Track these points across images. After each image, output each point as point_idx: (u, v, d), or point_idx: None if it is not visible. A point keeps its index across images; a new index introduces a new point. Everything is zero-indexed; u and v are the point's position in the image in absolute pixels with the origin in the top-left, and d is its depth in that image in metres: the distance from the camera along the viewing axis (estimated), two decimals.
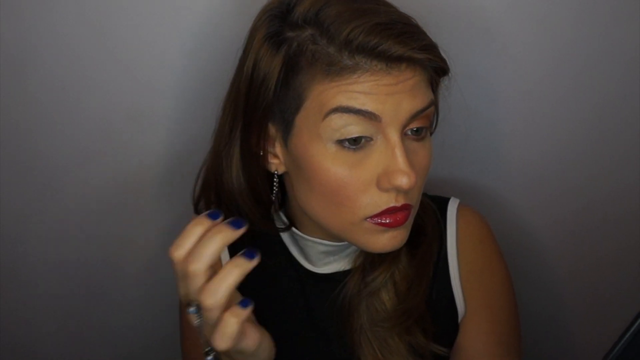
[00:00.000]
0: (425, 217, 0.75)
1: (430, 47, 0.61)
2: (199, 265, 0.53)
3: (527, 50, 0.88)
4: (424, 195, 0.77)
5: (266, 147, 0.67)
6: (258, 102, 0.64)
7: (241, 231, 0.54)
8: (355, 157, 0.61)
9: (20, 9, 0.79)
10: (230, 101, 0.68)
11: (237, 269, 0.52)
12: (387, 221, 0.63)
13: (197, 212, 0.77)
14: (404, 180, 0.60)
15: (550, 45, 0.88)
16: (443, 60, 0.63)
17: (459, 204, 0.78)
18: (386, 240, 0.64)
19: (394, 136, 0.61)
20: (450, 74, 0.67)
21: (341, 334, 0.72)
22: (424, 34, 0.63)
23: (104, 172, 0.89)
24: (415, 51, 0.59)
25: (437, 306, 0.73)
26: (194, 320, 0.54)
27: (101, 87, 0.84)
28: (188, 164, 0.83)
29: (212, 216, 0.55)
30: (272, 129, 0.66)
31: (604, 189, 0.95)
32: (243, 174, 0.70)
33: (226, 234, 0.53)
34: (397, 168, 0.60)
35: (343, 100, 0.59)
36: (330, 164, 0.61)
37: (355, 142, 0.61)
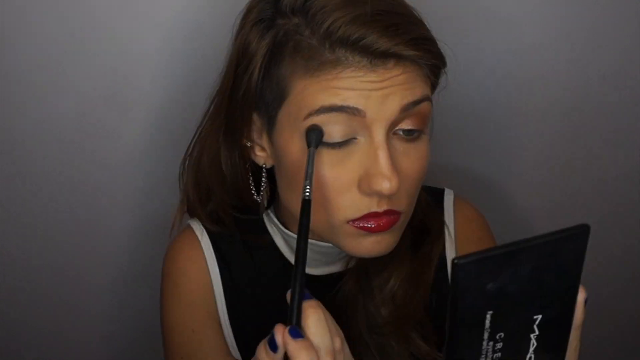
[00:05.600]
0: (430, 215, 0.72)
1: (421, 41, 0.57)
2: None
3: (528, 42, 0.88)
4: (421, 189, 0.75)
5: (252, 138, 0.65)
6: (242, 86, 0.61)
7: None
8: (337, 156, 0.58)
9: None
10: (221, 82, 0.65)
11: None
12: (370, 225, 0.60)
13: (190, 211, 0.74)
14: (384, 185, 0.56)
15: (557, 38, 0.88)
16: (436, 56, 0.59)
17: (455, 198, 0.75)
18: (369, 245, 0.61)
19: (379, 135, 0.57)
20: (446, 69, 0.63)
21: None
22: (418, 25, 0.59)
23: (80, 159, 0.87)
24: (402, 47, 0.55)
25: (438, 311, 0.70)
26: None
27: (77, 71, 0.82)
28: (166, 150, 0.82)
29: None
30: (258, 121, 0.63)
31: (608, 185, 0.95)
32: (224, 164, 0.67)
33: None
34: (378, 171, 0.57)
35: (325, 98, 0.56)
36: None
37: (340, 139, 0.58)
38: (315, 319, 0.48)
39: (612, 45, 0.87)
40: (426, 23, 0.61)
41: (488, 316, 0.41)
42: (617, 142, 0.94)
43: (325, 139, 0.57)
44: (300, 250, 0.51)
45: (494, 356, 0.42)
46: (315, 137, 0.56)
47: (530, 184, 0.97)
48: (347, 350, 0.51)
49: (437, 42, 0.60)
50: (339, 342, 0.49)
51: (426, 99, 0.59)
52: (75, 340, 0.98)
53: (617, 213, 0.97)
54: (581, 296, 0.43)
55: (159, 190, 0.88)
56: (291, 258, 0.71)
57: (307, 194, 0.53)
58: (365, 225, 0.59)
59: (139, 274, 0.94)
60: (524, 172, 0.96)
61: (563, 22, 0.87)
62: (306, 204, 0.53)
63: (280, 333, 0.47)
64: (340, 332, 0.51)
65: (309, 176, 0.54)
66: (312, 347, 0.47)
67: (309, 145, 0.56)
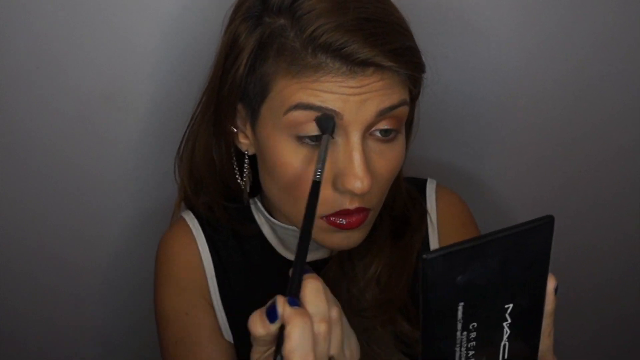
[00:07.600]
0: (411, 206, 0.74)
1: (401, 52, 0.59)
2: None
3: (514, 38, 0.88)
4: (405, 180, 0.76)
5: (237, 125, 0.67)
6: (229, 79, 0.63)
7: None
8: (315, 153, 0.60)
9: None
10: (211, 74, 0.67)
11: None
12: (342, 222, 0.62)
13: (186, 202, 0.76)
14: (357, 185, 0.59)
15: (538, 33, 0.87)
16: (414, 67, 0.60)
17: (437, 186, 0.77)
18: (339, 240, 0.64)
19: (354, 137, 0.59)
20: (425, 76, 0.64)
21: None
22: (401, 34, 0.60)
23: (78, 157, 0.88)
24: (381, 57, 0.57)
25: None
26: None
27: (76, 66, 0.83)
28: (165, 148, 0.82)
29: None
30: (242, 111, 0.66)
31: (599, 179, 0.95)
32: (214, 151, 0.70)
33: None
34: (352, 172, 0.59)
35: (303, 97, 0.58)
36: (290, 158, 0.61)
37: (316, 138, 0.60)
38: (311, 288, 0.49)
39: (602, 33, 0.88)
40: (415, 25, 0.62)
41: (460, 307, 0.42)
42: (606, 140, 0.94)
43: (302, 133, 0.59)
44: (306, 227, 0.52)
45: (469, 345, 0.44)
46: (329, 124, 0.58)
47: (516, 179, 0.97)
48: (345, 322, 0.53)
49: (419, 51, 0.61)
50: (336, 312, 0.50)
51: (403, 103, 0.61)
52: (72, 338, 1.00)
53: (602, 207, 0.98)
54: (551, 285, 0.45)
55: (158, 187, 0.90)
56: (278, 246, 0.74)
57: (318, 176, 0.55)
58: (337, 221, 0.62)
59: (138, 273, 0.96)
60: (509, 167, 0.97)
61: (556, 20, 0.87)
62: (315, 185, 0.55)
63: (281, 303, 0.48)
64: (339, 304, 0.52)
65: (320, 161, 0.56)
66: (306, 314, 0.48)
67: (323, 133, 0.58)
